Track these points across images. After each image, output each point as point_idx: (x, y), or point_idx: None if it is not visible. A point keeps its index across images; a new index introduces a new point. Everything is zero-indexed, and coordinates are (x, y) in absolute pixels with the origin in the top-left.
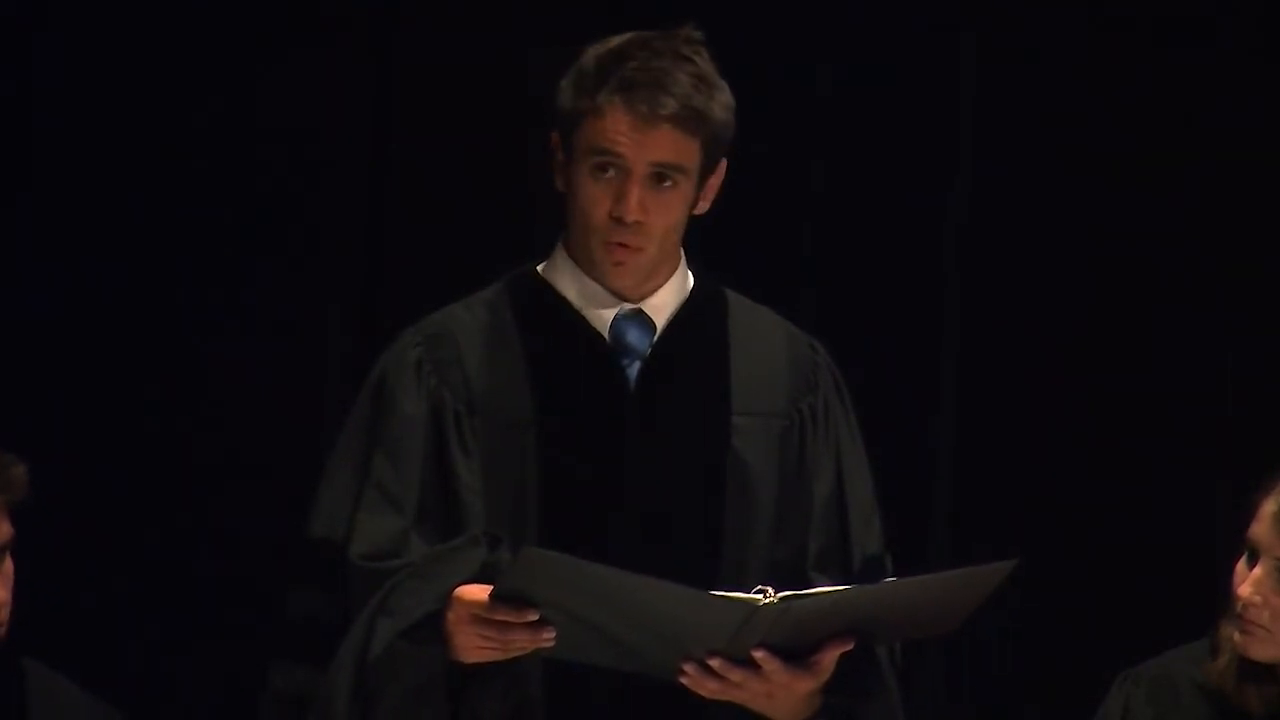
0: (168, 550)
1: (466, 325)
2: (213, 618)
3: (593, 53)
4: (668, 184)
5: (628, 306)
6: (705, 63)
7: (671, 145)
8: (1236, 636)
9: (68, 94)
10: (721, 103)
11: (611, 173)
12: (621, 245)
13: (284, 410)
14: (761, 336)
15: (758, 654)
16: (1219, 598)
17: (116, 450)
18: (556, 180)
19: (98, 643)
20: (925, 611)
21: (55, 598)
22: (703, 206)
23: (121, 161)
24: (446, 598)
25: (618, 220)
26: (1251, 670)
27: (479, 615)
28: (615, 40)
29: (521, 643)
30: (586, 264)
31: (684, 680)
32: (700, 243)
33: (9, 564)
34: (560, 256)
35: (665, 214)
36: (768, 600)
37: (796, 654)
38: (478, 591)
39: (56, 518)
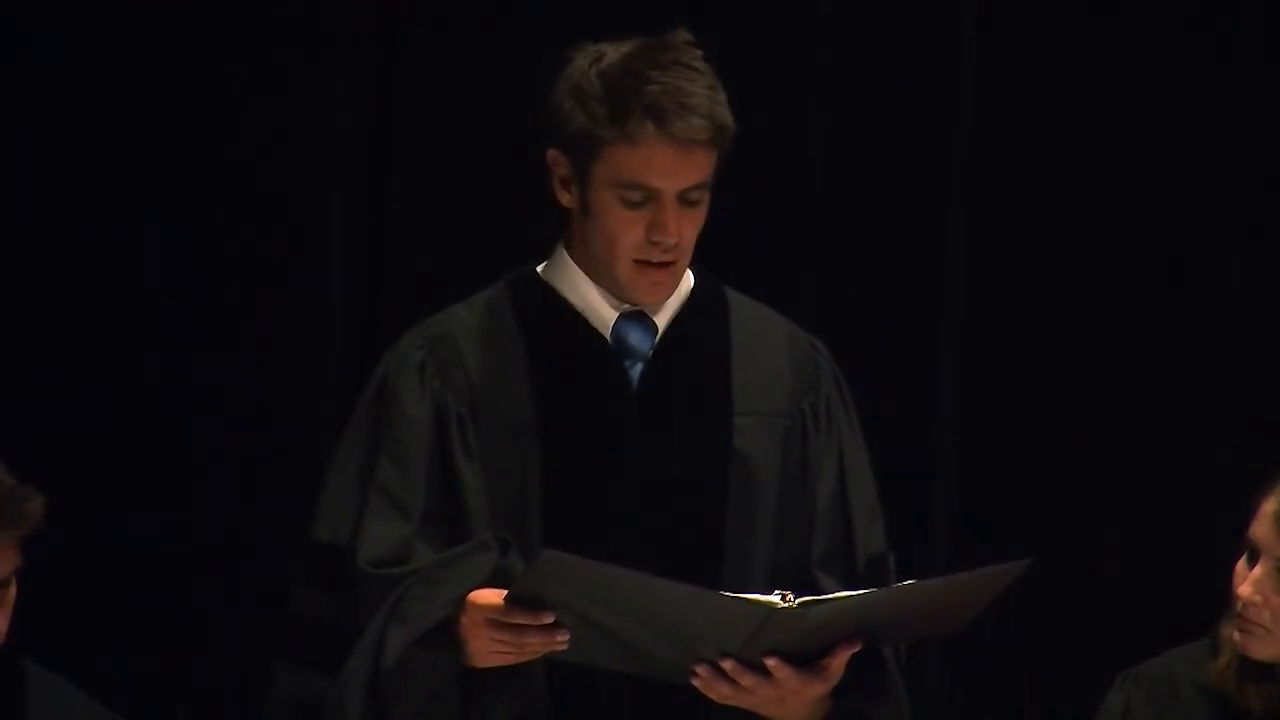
0: (169, 552)
1: (468, 327)
2: (215, 621)
3: (591, 69)
4: (696, 200)
5: (629, 308)
6: (706, 67)
7: (701, 166)
8: (1236, 636)
9: (66, 96)
10: (727, 105)
11: (642, 198)
12: (658, 265)
13: (286, 412)
14: (763, 336)
15: (770, 662)
16: (1219, 598)
17: (117, 451)
18: (559, 196)
19: (98, 646)
20: (936, 613)
21: (56, 600)
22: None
23: (122, 163)
24: (459, 603)
25: (655, 243)
26: (1252, 670)
27: (494, 619)
28: (611, 53)
29: (535, 645)
30: (603, 278)
31: (695, 682)
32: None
33: (12, 591)
34: (562, 259)
35: (695, 226)
36: (786, 604)
37: (806, 657)
38: (492, 596)
39: (57, 519)
